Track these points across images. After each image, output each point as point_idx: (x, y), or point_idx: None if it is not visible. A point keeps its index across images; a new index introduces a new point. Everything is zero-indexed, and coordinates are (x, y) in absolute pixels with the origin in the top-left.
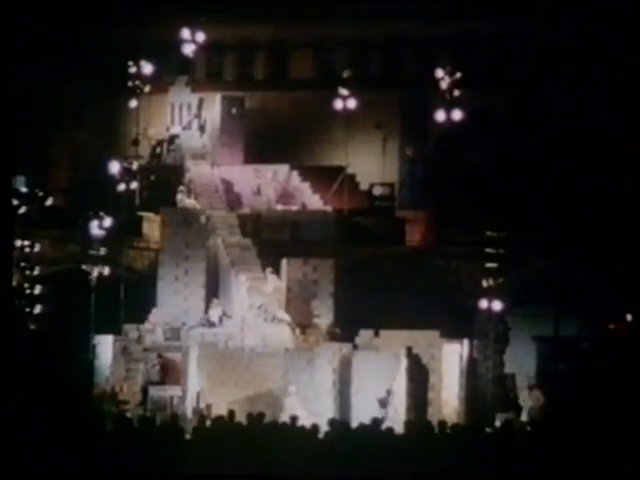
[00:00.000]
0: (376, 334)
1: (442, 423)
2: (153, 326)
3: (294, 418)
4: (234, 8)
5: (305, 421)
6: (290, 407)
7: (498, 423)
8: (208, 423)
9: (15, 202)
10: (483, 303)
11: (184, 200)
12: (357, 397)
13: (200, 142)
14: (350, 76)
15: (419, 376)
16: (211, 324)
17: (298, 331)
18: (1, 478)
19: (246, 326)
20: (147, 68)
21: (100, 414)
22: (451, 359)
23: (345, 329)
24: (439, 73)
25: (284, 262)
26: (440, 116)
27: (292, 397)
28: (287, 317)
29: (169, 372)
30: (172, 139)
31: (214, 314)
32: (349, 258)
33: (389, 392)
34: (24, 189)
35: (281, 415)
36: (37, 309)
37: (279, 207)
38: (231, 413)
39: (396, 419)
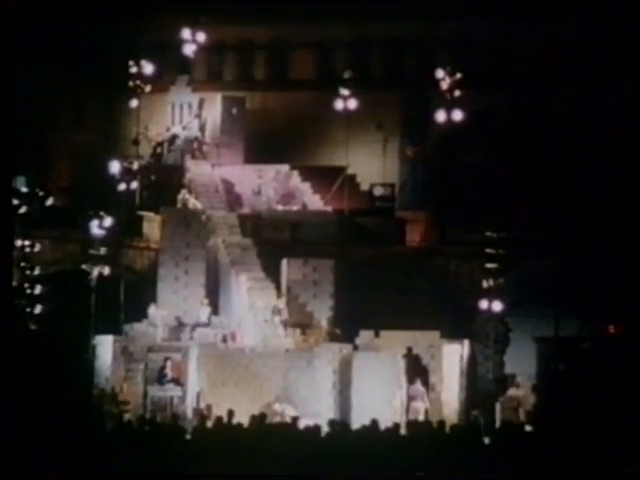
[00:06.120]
0: (376, 335)
1: (442, 423)
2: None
3: (295, 419)
4: (235, 8)
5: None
6: (279, 412)
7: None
8: (209, 423)
9: (15, 202)
10: (483, 303)
11: (190, 200)
12: (357, 398)
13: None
14: (350, 76)
15: (419, 376)
16: (202, 324)
17: (298, 332)
18: (1, 478)
19: (246, 326)
20: (148, 68)
21: (100, 415)
22: (451, 359)
23: (345, 330)
24: (439, 74)
25: (284, 262)
26: (440, 117)
27: (282, 403)
28: (287, 317)
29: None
30: (173, 139)
31: (203, 314)
32: (349, 258)
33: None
34: (24, 189)
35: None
36: (37, 309)
37: (279, 207)
38: (230, 413)
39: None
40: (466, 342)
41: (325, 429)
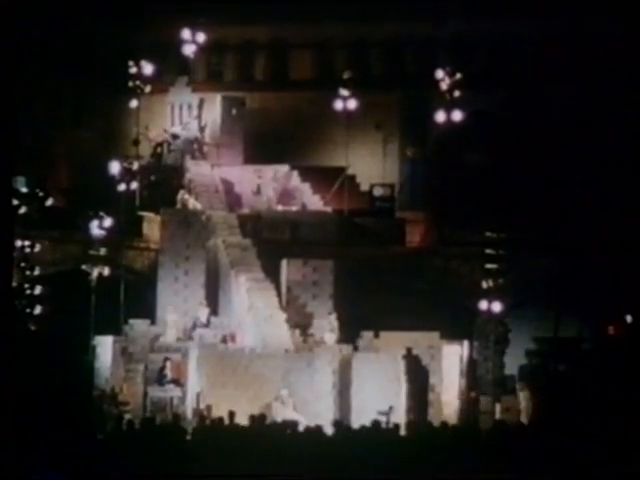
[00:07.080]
0: (376, 335)
1: (442, 424)
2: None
3: (295, 423)
4: (234, 9)
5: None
6: (279, 412)
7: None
8: (208, 424)
9: (15, 202)
10: (483, 304)
11: (190, 200)
12: (357, 398)
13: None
14: (350, 77)
15: (419, 377)
16: (202, 325)
17: (298, 332)
18: (1, 478)
19: (245, 327)
20: (147, 68)
21: (100, 415)
22: (451, 360)
23: (345, 330)
24: (439, 74)
25: (284, 263)
26: (440, 117)
27: (280, 402)
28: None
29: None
30: (172, 139)
31: (202, 315)
32: (349, 259)
33: (391, 408)
34: (24, 189)
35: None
36: (37, 309)
37: (279, 207)
38: (231, 414)
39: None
40: (466, 343)
41: (325, 430)
